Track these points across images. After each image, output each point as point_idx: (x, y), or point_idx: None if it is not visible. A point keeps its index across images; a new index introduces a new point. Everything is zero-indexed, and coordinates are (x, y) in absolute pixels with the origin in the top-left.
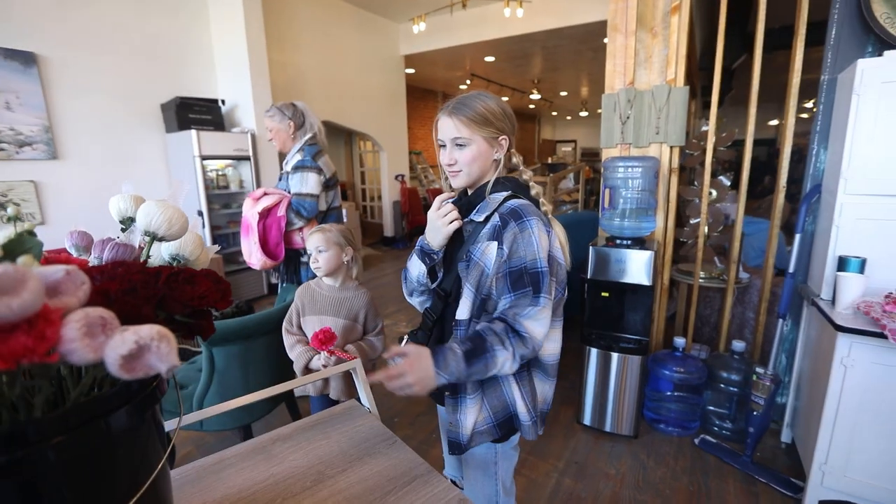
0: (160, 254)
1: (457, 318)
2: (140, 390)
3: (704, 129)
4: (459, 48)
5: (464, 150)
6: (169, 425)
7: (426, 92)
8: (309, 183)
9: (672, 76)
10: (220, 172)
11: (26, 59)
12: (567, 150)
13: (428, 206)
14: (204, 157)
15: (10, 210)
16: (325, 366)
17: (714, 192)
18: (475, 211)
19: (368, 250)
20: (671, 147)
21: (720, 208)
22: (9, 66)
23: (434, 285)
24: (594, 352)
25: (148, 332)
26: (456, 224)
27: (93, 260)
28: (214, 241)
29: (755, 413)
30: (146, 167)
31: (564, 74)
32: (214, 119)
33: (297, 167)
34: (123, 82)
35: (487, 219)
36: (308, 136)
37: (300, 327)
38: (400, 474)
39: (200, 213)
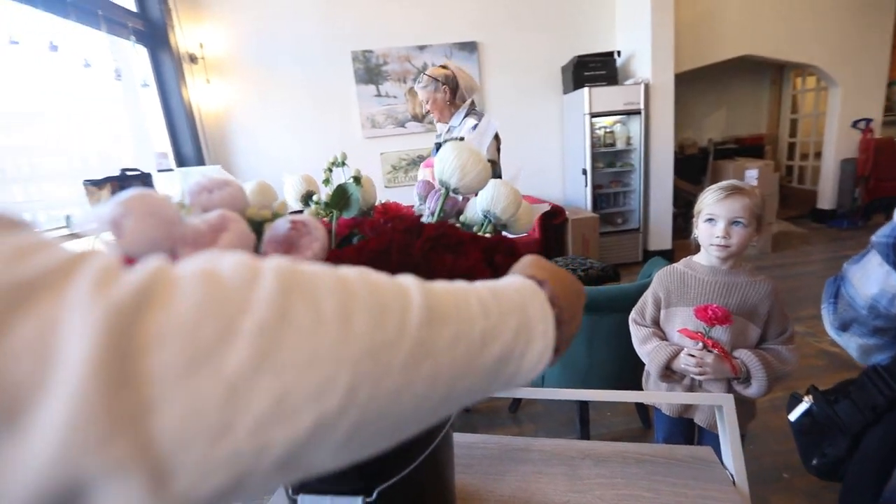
0: (475, 210)
1: None
2: None
3: None
4: None
5: None
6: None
7: None
8: (489, 150)
9: None
10: (607, 129)
11: (471, 48)
12: None
13: None
14: (593, 115)
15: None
16: (699, 365)
17: None
18: None
19: (787, 225)
20: None
21: None
22: (460, 55)
23: None
24: None
25: None
26: None
27: (425, 210)
28: (595, 200)
29: None
30: (542, 129)
31: None
32: (608, 73)
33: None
34: (532, 54)
35: None
36: (469, 100)
37: (656, 323)
38: None
39: (584, 172)
